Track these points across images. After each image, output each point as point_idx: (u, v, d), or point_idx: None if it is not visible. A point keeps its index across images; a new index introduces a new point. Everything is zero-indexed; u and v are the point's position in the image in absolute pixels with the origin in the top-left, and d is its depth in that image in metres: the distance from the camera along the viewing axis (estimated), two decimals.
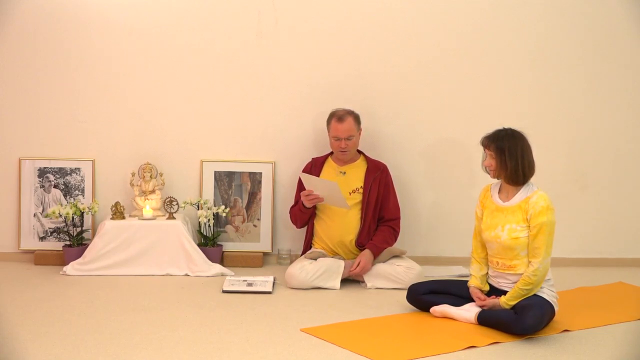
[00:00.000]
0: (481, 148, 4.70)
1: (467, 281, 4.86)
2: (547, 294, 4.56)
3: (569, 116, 6.18)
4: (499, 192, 4.73)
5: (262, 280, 5.38)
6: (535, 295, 4.54)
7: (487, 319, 4.55)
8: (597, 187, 6.23)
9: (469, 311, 4.65)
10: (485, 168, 4.71)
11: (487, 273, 4.78)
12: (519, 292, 4.52)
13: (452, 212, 6.17)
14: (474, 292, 4.73)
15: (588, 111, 6.18)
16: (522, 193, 4.62)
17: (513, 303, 4.53)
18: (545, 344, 4.32)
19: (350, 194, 5.56)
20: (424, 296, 4.84)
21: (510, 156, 4.56)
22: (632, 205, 6.27)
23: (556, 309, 4.61)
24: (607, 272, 5.99)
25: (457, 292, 4.83)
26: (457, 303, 4.76)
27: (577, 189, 6.18)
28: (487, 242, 4.72)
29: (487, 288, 4.75)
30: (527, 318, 4.38)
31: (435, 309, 4.74)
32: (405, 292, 5.01)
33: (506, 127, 4.66)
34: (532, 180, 4.66)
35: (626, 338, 4.47)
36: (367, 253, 5.44)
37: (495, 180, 4.79)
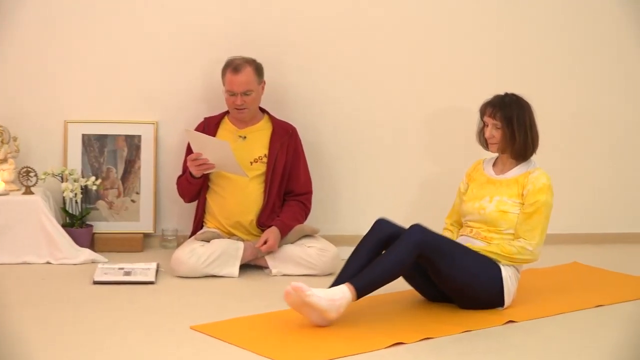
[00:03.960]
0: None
1: None
2: (508, 273, 4.69)
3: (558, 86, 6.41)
4: (494, 165, 4.92)
5: (143, 267, 5.37)
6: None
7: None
8: (552, 157, 6.36)
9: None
10: (485, 140, 4.83)
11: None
12: (491, 253, 4.67)
13: (375, 184, 6.27)
14: None
15: (587, 82, 6.45)
16: (522, 167, 4.81)
17: None
18: (487, 338, 4.37)
19: (251, 163, 5.58)
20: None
21: (519, 127, 4.72)
22: (587, 176, 6.51)
23: (506, 303, 4.74)
24: (561, 250, 6.15)
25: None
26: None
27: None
28: (467, 215, 4.86)
29: None
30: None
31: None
32: (318, 279, 5.09)
33: (508, 92, 4.80)
34: None
35: (580, 329, 4.57)
36: (274, 230, 5.47)
37: (490, 155, 4.98)
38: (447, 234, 4.96)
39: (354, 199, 6.25)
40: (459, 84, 6.16)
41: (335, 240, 5.83)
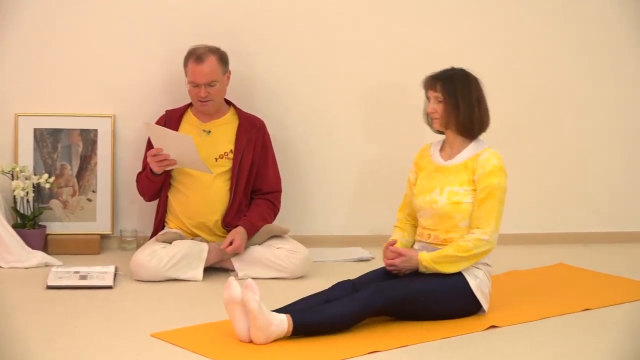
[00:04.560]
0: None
1: None
2: (478, 276, 4.63)
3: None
4: (441, 150, 4.82)
5: (100, 271, 5.35)
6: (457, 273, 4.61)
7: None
8: (536, 151, 6.46)
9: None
10: (428, 116, 4.76)
11: (412, 245, 4.83)
12: (448, 258, 4.57)
13: (348, 181, 6.27)
14: (390, 246, 4.70)
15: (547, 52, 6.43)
16: (470, 150, 4.70)
17: (437, 267, 4.56)
18: (468, 345, 4.37)
19: (216, 159, 5.56)
20: None
21: (463, 99, 4.63)
22: (576, 175, 6.54)
23: (485, 307, 4.69)
24: (546, 250, 6.19)
25: None
26: None
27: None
28: (420, 210, 4.77)
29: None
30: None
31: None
32: (288, 282, 5.15)
33: (455, 67, 4.75)
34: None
35: (566, 334, 4.57)
36: (240, 230, 5.45)
37: (437, 138, 4.86)
38: (398, 232, 4.87)
39: (325, 197, 6.24)
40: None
41: (306, 241, 5.82)
